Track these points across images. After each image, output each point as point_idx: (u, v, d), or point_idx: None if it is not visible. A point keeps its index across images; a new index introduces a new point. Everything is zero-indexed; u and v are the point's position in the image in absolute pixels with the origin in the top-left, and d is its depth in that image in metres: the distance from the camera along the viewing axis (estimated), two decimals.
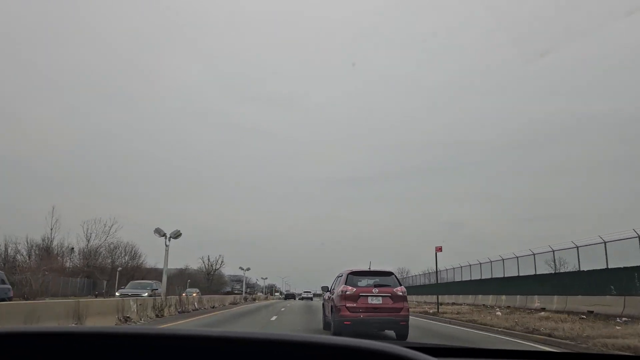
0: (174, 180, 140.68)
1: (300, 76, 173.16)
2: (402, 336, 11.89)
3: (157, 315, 19.57)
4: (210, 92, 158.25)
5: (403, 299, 12.07)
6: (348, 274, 12.54)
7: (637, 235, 20.41)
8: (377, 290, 12.00)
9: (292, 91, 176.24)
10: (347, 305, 11.74)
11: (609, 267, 22.10)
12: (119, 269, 52.81)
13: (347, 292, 11.88)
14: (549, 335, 12.22)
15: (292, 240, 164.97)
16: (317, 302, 49.72)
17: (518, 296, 28.69)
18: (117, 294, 29.69)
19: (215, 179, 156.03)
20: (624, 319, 17.18)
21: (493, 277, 34.96)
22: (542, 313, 21.36)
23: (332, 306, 12.65)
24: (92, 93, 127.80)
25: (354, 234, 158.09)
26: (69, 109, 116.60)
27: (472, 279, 39.57)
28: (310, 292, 78.64)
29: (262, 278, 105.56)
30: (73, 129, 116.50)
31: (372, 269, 14.37)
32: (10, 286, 21.04)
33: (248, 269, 70.19)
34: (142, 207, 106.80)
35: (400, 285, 12.51)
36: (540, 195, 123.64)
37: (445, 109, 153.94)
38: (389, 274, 13.01)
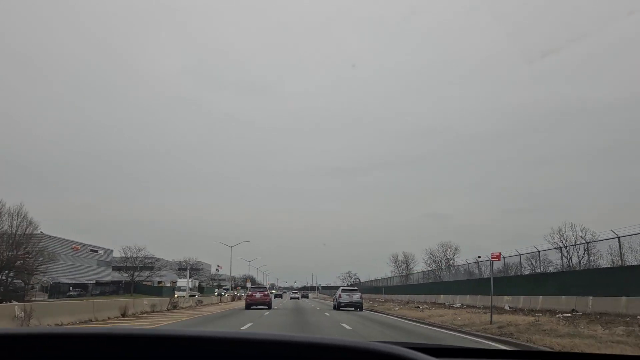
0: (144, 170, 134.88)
1: (278, 65, 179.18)
2: (268, 306, 32.95)
3: None
4: (187, 81, 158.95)
5: (268, 295, 34.47)
6: (250, 287, 44.91)
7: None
8: (259, 292, 34.70)
9: (268, 79, 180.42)
10: (249, 298, 34.21)
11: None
12: None
13: (249, 293, 35.71)
14: None
15: (276, 233, 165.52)
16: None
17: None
18: None
19: (196, 169, 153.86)
20: None
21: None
22: None
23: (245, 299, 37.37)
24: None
25: (338, 226, 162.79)
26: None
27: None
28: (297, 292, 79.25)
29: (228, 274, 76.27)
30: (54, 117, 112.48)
31: (260, 284, 70.18)
32: None
33: (189, 263, 61.81)
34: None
35: (267, 290, 36.85)
36: (528, 186, 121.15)
37: (434, 100, 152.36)
38: (264, 286, 46.55)
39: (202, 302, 42.25)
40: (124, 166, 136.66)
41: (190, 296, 47.98)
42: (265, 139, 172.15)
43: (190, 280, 72.64)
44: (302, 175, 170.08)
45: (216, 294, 70.55)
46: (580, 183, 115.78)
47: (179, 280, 77.15)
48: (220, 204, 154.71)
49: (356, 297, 33.36)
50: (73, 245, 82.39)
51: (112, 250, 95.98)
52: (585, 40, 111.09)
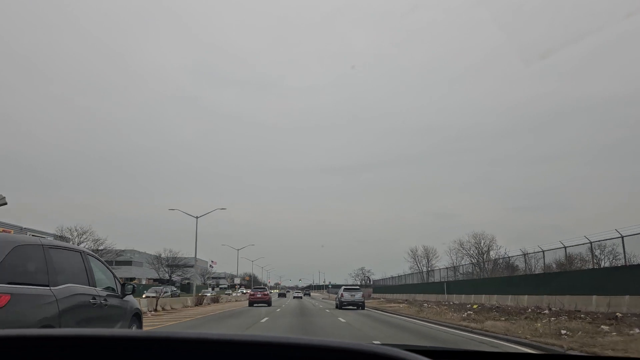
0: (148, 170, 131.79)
1: (279, 61, 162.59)
2: (268, 304, 39.86)
3: None
4: (187, 80, 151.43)
5: (268, 294, 41.47)
6: (252, 287, 58.64)
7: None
8: (259, 291, 42.43)
9: (270, 77, 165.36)
10: (251, 297, 41.94)
11: None
12: None
13: (251, 292, 43.67)
14: None
15: (280, 232, 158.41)
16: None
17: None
18: None
19: (198, 169, 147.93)
20: None
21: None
22: None
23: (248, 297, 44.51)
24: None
25: (343, 224, 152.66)
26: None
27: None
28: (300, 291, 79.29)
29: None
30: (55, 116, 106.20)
31: (257, 285, 72.96)
32: None
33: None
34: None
35: (267, 290, 44.14)
36: (530, 184, 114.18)
37: (435, 97, 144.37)
38: (264, 287, 51.61)
39: None
40: (123, 165, 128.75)
41: None
42: (267, 138, 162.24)
43: None
44: (304, 174, 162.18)
45: (157, 293, 41.01)
46: (585, 179, 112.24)
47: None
48: (222, 204, 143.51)
49: (358, 296, 34.88)
50: (1, 229, 64.24)
51: (69, 239, 77.74)
52: (586, 39, 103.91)
